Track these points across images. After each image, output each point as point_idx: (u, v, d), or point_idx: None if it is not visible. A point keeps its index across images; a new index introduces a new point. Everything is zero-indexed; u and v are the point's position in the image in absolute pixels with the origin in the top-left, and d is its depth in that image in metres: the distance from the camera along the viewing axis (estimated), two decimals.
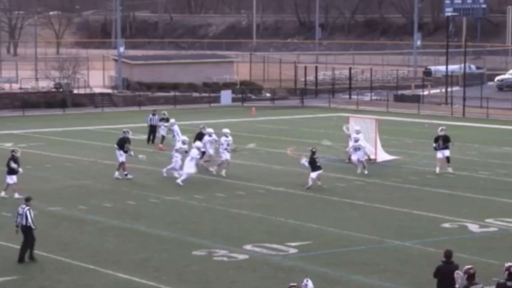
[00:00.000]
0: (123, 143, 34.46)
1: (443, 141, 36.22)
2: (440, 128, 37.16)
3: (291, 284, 15.67)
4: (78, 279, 21.33)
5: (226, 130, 36.30)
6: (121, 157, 34.32)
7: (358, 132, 37.10)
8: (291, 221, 27.29)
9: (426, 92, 71.13)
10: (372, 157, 38.15)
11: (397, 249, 24.29)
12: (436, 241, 24.87)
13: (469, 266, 16.01)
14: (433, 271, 17.46)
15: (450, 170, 35.83)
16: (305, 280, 16.06)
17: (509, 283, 15.74)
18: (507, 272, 15.80)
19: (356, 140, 36.01)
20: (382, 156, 39.19)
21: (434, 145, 36.37)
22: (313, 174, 32.26)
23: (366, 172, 35.20)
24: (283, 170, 36.62)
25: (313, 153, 32.54)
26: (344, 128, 40.11)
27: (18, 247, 23.79)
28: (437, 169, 35.89)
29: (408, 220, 27.82)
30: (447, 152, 36.22)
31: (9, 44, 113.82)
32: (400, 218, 28.03)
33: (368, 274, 21.58)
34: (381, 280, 20.93)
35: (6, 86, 68.62)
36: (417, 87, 74.69)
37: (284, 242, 24.54)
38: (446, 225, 26.95)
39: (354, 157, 36.13)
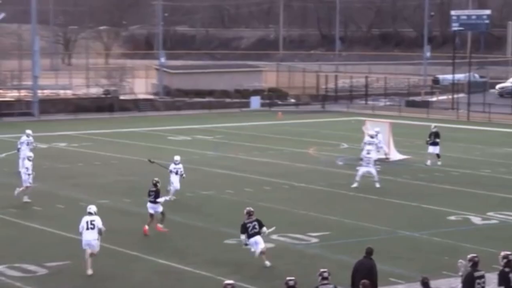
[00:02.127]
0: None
1: (435, 137, 37.34)
2: (433, 125, 38.22)
3: (322, 270, 15.45)
4: (124, 264, 21.37)
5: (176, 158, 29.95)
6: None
7: (378, 132, 37.25)
8: (312, 214, 27.21)
9: (434, 99, 70.73)
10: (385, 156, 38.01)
11: (407, 238, 24.15)
12: (443, 232, 24.72)
13: (474, 255, 15.85)
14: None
15: (439, 163, 36.82)
16: None
17: (507, 269, 15.58)
18: (505, 260, 15.63)
19: (372, 137, 36.13)
20: (395, 155, 39.05)
21: (427, 139, 37.62)
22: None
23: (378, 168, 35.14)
24: (305, 168, 36.53)
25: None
26: (364, 128, 39.92)
27: (70, 235, 23.93)
28: (428, 162, 36.89)
29: (417, 213, 27.66)
30: (437, 149, 37.21)
31: (64, 55, 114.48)
32: (410, 211, 27.87)
33: (382, 261, 21.37)
34: (394, 267, 20.81)
35: (61, 93, 69.01)
36: (426, 94, 74.31)
37: (306, 232, 24.47)
38: (452, 217, 26.77)
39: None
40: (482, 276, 15.64)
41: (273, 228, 21.94)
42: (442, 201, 29.16)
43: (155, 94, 71.43)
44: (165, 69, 72.84)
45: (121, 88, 67.62)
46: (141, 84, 72.44)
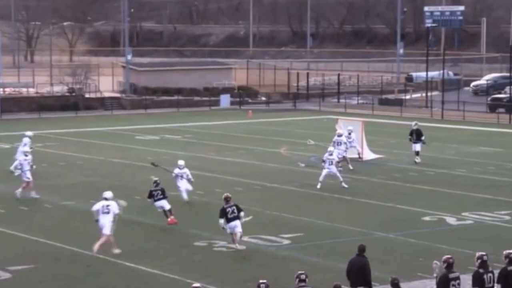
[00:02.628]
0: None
1: (417, 135, 37.80)
2: (414, 122, 38.45)
3: (299, 272, 15.48)
4: (89, 267, 21.26)
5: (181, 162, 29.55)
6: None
7: (350, 131, 37.48)
8: (284, 215, 27.25)
9: (408, 97, 71.13)
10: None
11: (382, 240, 24.26)
12: (417, 233, 24.86)
13: (449, 256, 15.95)
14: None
15: (417, 160, 37.41)
16: None
17: (481, 270, 15.70)
18: (479, 261, 15.76)
19: (340, 136, 36.25)
20: (368, 155, 39.20)
21: (409, 137, 38.07)
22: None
23: (351, 167, 35.32)
24: (277, 168, 36.57)
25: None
26: (337, 127, 39.90)
27: (34, 238, 23.80)
28: (417, 159, 37.51)
29: (391, 213, 27.79)
30: (418, 147, 37.74)
31: (26, 52, 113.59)
32: (384, 212, 28.00)
33: None
34: None
35: (24, 91, 68.50)
36: (400, 91, 74.68)
37: (278, 234, 24.49)
38: (427, 218, 26.93)
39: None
40: (457, 278, 15.75)
41: (250, 217, 23.44)
42: (417, 201, 29.33)
43: (122, 92, 71.15)
44: (131, 67, 72.58)
45: (86, 86, 67.25)
46: (107, 82, 72.09)
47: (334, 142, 36.17)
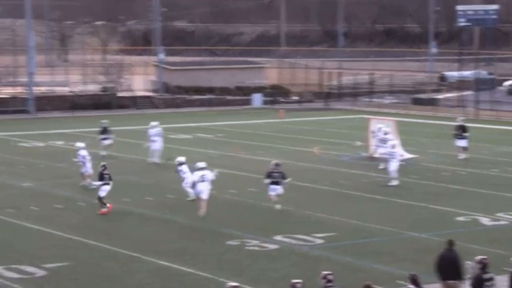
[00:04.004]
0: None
1: (462, 131, 38.27)
2: (459, 118, 38.65)
3: (326, 272, 15.43)
4: (124, 266, 21.45)
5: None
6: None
7: (380, 129, 37.48)
8: (317, 214, 27.28)
9: (441, 96, 70.78)
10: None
11: (414, 240, 24.21)
12: (451, 233, 24.73)
13: (483, 256, 15.89)
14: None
15: (463, 157, 37.83)
16: None
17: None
18: None
19: (386, 134, 36.44)
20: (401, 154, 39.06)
21: (455, 132, 38.73)
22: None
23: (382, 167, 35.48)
24: (309, 167, 36.59)
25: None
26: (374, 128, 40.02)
27: (68, 236, 24.07)
28: (460, 156, 37.92)
29: (424, 213, 27.72)
30: (463, 143, 38.09)
31: (60, 51, 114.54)
32: (417, 212, 27.93)
33: (388, 263, 21.55)
34: (400, 269, 20.86)
35: (57, 90, 69.09)
36: (432, 91, 74.36)
37: (311, 233, 24.53)
38: (460, 218, 26.82)
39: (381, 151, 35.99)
40: (491, 279, 15.71)
41: (289, 179, 27.72)
42: (450, 202, 29.22)
43: (154, 91, 71.52)
44: (164, 66, 72.92)
45: (119, 85, 67.69)
46: (139, 81, 72.51)
47: (381, 140, 36.40)
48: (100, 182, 27.47)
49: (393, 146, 33.23)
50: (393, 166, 32.33)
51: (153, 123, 38.22)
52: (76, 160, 32.41)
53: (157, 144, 37.72)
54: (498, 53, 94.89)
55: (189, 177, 28.55)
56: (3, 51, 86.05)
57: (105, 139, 40.14)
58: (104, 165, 28.37)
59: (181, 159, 29.65)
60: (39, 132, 49.44)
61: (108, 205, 27.27)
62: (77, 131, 50.15)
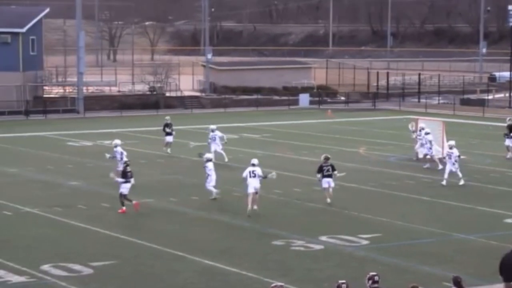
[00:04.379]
0: None
1: (509, 130, 38.24)
2: (508, 118, 38.47)
3: (372, 273, 15.26)
4: (169, 265, 21.54)
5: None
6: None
7: (422, 129, 37.44)
8: (362, 215, 27.13)
9: (490, 97, 69.94)
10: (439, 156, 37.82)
11: (461, 241, 23.94)
12: (499, 235, 24.44)
13: None
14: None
15: (509, 156, 38.02)
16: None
17: None
18: None
19: (427, 134, 36.34)
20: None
21: (505, 132, 38.79)
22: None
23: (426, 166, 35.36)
24: (355, 168, 36.41)
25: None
26: (410, 126, 39.91)
27: (115, 234, 24.26)
28: (508, 155, 38.19)
29: (472, 215, 27.41)
30: (509, 142, 38.16)
31: (109, 51, 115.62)
32: (464, 213, 27.63)
33: (434, 265, 21.34)
34: (447, 270, 20.64)
35: (106, 89, 69.75)
36: (482, 91, 73.53)
37: (356, 234, 24.41)
38: (509, 220, 26.45)
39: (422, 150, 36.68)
40: None
41: (343, 173, 29.54)
42: (498, 203, 28.84)
43: (202, 91, 71.81)
44: (211, 66, 73.18)
45: (167, 85, 68.10)
46: (187, 81, 72.86)
47: (430, 141, 36.35)
48: (122, 180, 27.64)
49: (451, 147, 32.64)
50: (450, 166, 32.08)
51: (212, 127, 38.62)
52: (109, 155, 32.67)
53: (214, 146, 37.87)
54: None
55: (213, 175, 29.05)
56: (54, 51, 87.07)
57: (168, 134, 40.70)
58: (126, 162, 28.83)
59: (209, 155, 30.10)
60: (87, 131, 49.92)
61: (133, 202, 27.41)
62: (125, 131, 50.54)
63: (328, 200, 28.20)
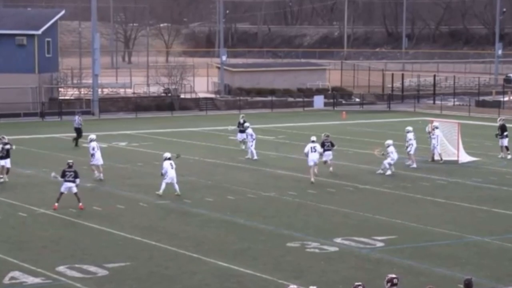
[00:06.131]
0: None
1: (501, 130, 38.99)
2: (499, 118, 38.77)
3: (391, 276, 15.08)
4: (184, 266, 21.57)
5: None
6: None
7: (436, 127, 37.83)
8: (377, 217, 27.08)
9: (506, 98, 69.64)
10: (453, 158, 37.78)
11: (477, 244, 23.85)
12: None
13: None
14: None
15: (508, 157, 38.44)
16: None
17: None
18: None
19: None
20: (464, 157, 38.63)
21: (496, 133, 39.66)
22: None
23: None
24: (370, 170, 36.36)
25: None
26: (427, 128, 40.04)
27: (130, 236, 24.30)
28: (500, 155, 38.95)
29: (487, 217, 27.30)
30: (505, 142, 38.51)
31: (124, 53, 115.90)
32: (479, 215, 27.53)
33: (450, 267, 21.27)
34: (462, 273, 20.55)
35: (121, 91, 69.92)
36: (497, 93, 73.25)
37: (371, 236, 24.36)
38: None
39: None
40: None
41: (335, 147, 35.36)
42: None
43: (216, 92, 71.88)
44: (226, 67, 73.23)
45: (182, 86, 68.21)
46: (202, 83, 72.94)
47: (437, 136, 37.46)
48: (61, 179, 28.23)
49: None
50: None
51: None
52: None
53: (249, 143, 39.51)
54: None
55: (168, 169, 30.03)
56: (69, 53, 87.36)
57: (241, 131, 41.74)
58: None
59: (167, 154, 31.00)
60: (102, 133, 50.01)
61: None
62: (140, 132, 50.65)
63: (330, 168, 34.38)
